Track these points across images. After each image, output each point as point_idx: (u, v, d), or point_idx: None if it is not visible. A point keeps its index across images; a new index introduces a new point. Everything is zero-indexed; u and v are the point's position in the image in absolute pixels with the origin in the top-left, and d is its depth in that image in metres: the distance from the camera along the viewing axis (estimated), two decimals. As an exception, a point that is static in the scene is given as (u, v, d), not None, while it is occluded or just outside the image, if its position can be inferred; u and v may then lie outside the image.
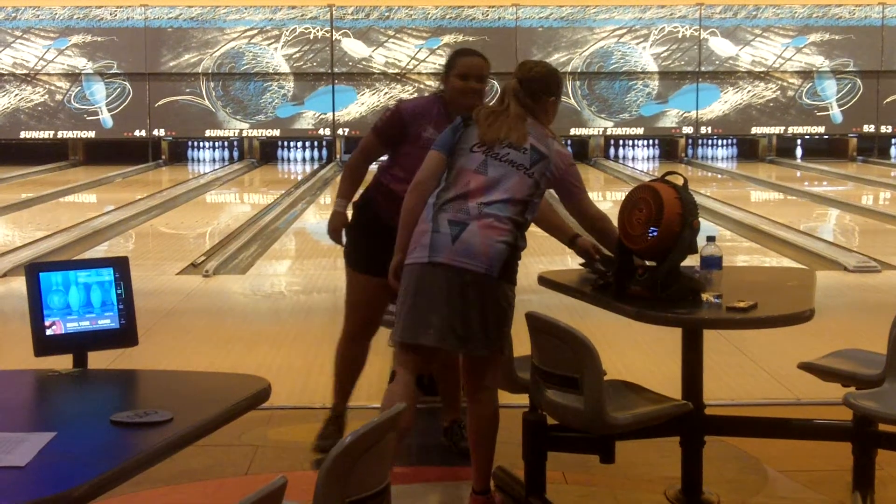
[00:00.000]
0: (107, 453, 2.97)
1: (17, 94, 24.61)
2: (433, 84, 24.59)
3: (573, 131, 24.66)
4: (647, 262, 4.74)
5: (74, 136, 24.83)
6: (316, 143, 25.43)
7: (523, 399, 4.91)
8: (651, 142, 25.85)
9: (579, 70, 24.72)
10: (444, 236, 4.68)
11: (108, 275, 3.90)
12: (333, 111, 24.68)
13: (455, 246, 4.65)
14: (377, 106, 24.67)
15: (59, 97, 24.64)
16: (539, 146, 4.83)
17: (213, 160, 25.35)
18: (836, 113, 25.30)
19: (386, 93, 24.71)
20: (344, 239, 5.88)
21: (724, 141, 26.00)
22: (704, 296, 4.64)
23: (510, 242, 4.68)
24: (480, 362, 4.79)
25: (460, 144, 4.87)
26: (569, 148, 25.27)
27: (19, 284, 9.78)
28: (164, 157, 25.09)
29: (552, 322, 4.39)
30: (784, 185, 20.24)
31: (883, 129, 25.33)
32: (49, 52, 24.55)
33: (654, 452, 5.36)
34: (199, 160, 25.40)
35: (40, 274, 3.79)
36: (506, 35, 24.44)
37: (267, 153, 25.53)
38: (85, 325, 3.85)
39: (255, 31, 24.64)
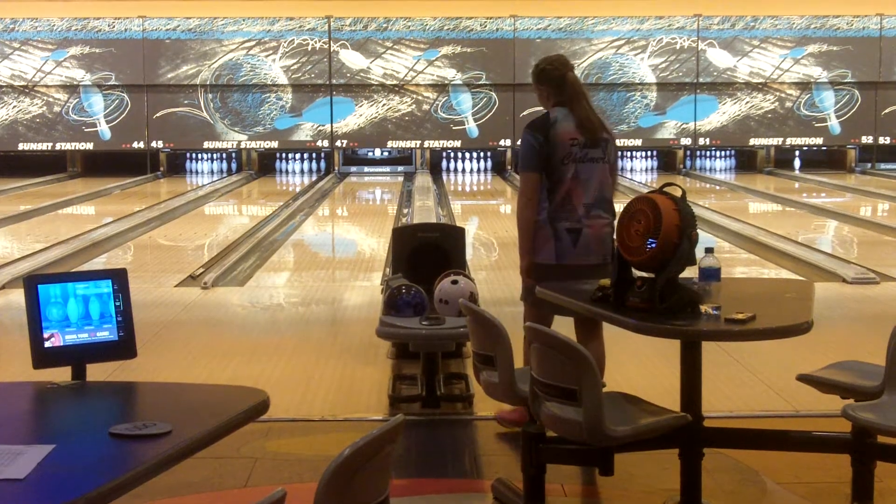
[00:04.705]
0: (106, 466, 2.98)
1: (15, 106, 24.62)
2: (431, 95, 24.62)
3: (571, 143, 24.60)
4: (645, 274, 4.74)
5: (73, 148, 24.83)
6: (314, 155, 25.44)
7: (522, 411, 4.91)
8: (649, 153, 25.87)
9: (577, 81, 24.70)
10: None
11: (106, 287, 3.90)
12: (332, 123, 24.69)
13: None
14: (375, 117, 24.70)
15: (57, 109, 24.64)
16: None
17: (212, 172, 25.35)
18: (834, 124, 25.31)
19: (384, 104, 24.73)
20: None
21: (723, 152, 26.01)
22: (703, 307, 4.65)
23: None
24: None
25: None
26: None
27: (18, 297, 9.78)
28: (162, 168, 25.09)
29: (551, 334, 4.40)
30: (782, 196, 20.25)
31: (881, 140, 25.34)
32: (47, 64, 24.55)
33: (653, 465, 5.35)
34: (197, 172, 25.41)
35: (39, 286, 3.79)
36: (504, 46, 24.48)
37: (265, 165, 25.54)
38: (83, 337, 3.85)
39: (253, 43, 24.66)
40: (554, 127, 6.00)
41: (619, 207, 5.05)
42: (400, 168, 25.56)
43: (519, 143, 6.09)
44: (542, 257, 6.03)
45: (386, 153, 25.80)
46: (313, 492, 2.89)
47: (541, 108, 6.26)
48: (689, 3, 24.93)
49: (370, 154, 25.86)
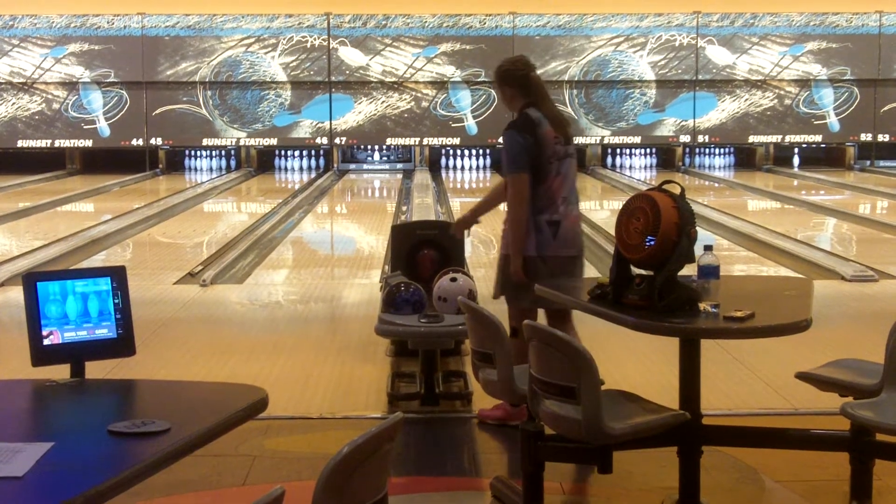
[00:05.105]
0: (104, 463, 2.97)
1: (14, 103, 24.60)
2: (430, 93, 24.62)
3: (570, 140, 24.56)
4: (644, 272, 4.74)
5: (72, 145, 24.82)
6: (313, 152, 25.43)
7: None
8: (648, 150, 25.85)
9: (576, 78, 24.73)
10: None
11: (105, 284, 3.90)
12: (331, 120, 24.68)
13: None
14: (374, 115, 24.69)
15: (56, 106, 24.63)
16: None
17: (211, 169, 25.34)
18: (833, 121, 25.30)
19: (383, 101, 24.72)
20: None
21: (722, 149, 25.98)
22: (702, 305, 4.65)
23: None
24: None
25: None
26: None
27: (17, 294, 9.78)
28: (161, 166, 25.06)
29: (550, 332, 4.39)
30: (781, 193, 20.25)
31: (880, 137, 25.33)
32: (46, 61, 24.54)
33: (652, 463, 5.35)
34: (196, 169, 25.38)
35: (38, 283, 3.78)
36: (503, 43, 24.45)
37: (264, 162, 25.52)
38: (82, 334, 3.85)
39: (253, 40, 24.64)
40: (540, 127, 6.12)
41: (616, 206, 5.06)
42: (399, 165, 25.55)
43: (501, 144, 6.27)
44: (524, 250, 6.13)
45: (385, 157, 25.82)
46: (312, 490, 2.88)
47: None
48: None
49: (368, 158, 25.86)
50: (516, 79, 6.27)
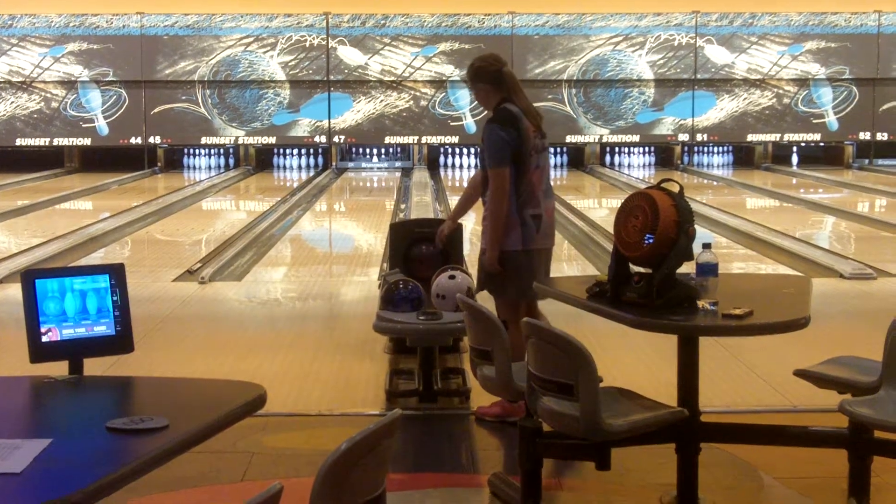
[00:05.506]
0: (102, 460, 2.98)
1: (12, 102, 24.60)
2: (429, 92, 24.61)
3: (569, 139, 24.64)
4: (643, 270, 4.75)
5: (70, 144, 24.83)
6: (311, 151, 25.44)
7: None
8: (647, 149, 25.85)
9: (575, 78, 24.70)
10: None
11: (104, 281, 3.90)
12: (329, 118, 24.68)
13: None
14: (373, 113, 24.70)
15: (54, 105, 24.63)
16: None
17: (209, 167, 25.34)
18: (831, 120, 25.30)
19: (382, 100, 24.72)
20: None
21: (720, 148, 25.98)
22: (700, 303, 4.65)
23: None
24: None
25: None
26: (565, 156, 25.48)
27: (15, 291, 9.77)
28: (159, 164, 25.06)
29: (548, 329, 4.40)
30: (780, 192, 20.25)
31: (879, 136, 25.34)
32: (45, 60, 24.54)
33: (650, 459, 5.35)
34: (194, 167, 25.39)
35: (36, 281, 3.78)
36: (502, 43, 24.42)
37: (263, 160, 25.52)
38: (81, 331, 3.85)
39: (251, 39, 24.64)
40: (521, 121, 6.21)
41: (615, 204, 5.06)
42: (398, 164, 25.57)
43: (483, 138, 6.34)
44: (509, 244, 6.23)
45: (385, 163, 25.82)
46: (310, 486, 2.89)
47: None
48: (687, -1, 24.97)
49: (366, 160, 25.87)
50: (489, 75, 6.42)
